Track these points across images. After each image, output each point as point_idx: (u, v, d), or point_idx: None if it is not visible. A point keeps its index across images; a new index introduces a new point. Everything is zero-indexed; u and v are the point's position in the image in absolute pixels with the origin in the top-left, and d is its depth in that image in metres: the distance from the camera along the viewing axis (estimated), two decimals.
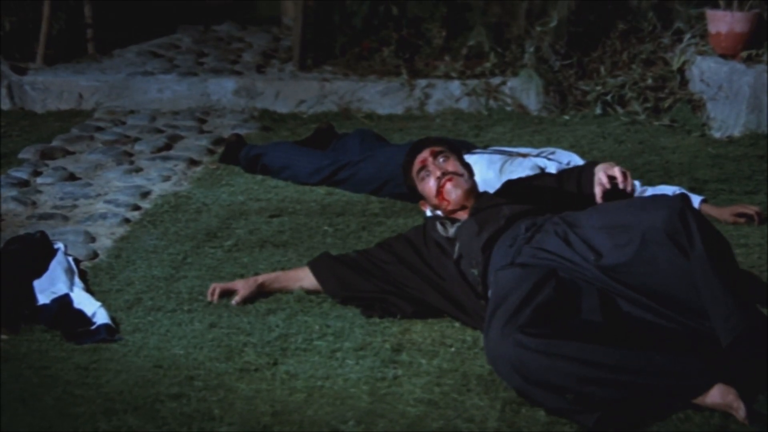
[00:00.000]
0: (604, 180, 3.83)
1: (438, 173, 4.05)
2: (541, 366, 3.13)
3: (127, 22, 8.31)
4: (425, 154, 4.12)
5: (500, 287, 3.43)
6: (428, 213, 4.14)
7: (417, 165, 4.12)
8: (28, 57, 7.46)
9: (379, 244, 4.16)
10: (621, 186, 3.80)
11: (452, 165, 4.08)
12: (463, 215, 4.00)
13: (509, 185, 4.13)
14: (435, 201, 4.08)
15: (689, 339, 3.26)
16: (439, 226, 3.96)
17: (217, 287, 4.06)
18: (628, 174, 3.84)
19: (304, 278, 4.09)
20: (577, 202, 3.87)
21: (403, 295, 3.91)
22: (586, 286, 3.36)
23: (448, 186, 4.03)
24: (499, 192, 4.09)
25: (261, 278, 4.11)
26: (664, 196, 3.49)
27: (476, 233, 3.79)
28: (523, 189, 4.07)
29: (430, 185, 4.08)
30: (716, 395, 3.14)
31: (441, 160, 4.09)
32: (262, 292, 4.07)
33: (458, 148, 4.26)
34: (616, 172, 3.83)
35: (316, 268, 4.08)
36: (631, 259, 3.31)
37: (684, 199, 3.33)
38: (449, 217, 4.01)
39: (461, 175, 4.06)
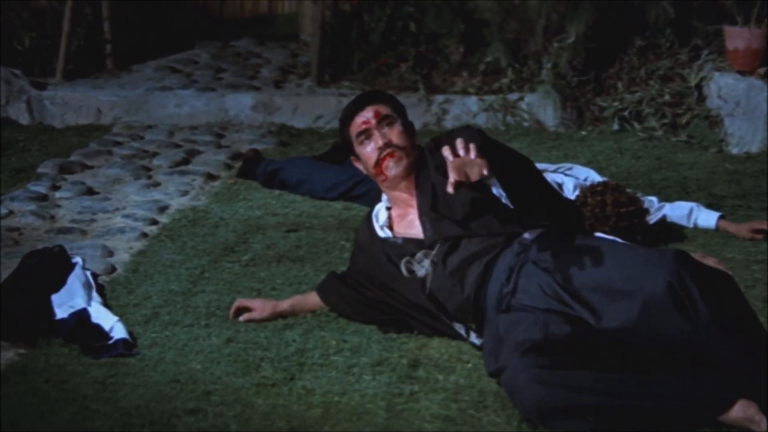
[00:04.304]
0: (449, 154, 3.41)
1: (380, 143, 3.77)
2: (562, 398, 3.12)
3: (145, 37, 8.35)
4: (369, 113, 3.80)
5: (501, 328, 3.39)
6: (377, 228, 3.88)
7: (359, 125, 3.81)
8: (48, 72, 7.50)
9: (351, 255, 4.08)
10: (462, 153, 3.37)
11: (396, 135, 3.78)
12: (401, 191, 3.80)
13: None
14: (372, 170, 3.83)
15: (707, 360, 3.23)
16: (403, 268, 3.72)
17: (237, 303, 4.03)
18: (470, 145, 3.41)
19: (321, 304, 4.05)
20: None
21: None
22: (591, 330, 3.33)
23: (389, 162, 3.77)
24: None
25: (280, 307, 4.01)
26: (658, 256, 3.31)
27: (460, 290, 3.61)
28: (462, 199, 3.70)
29: (368, 152, 3.81)
30: (738, 410, 3.13)
31: (385, 125, 3.79)
32: (279, 317, 4.02)
33: (402, 107, 3.92)
34: (458, 143, 3.41)
35: (324, 293, 4.04)
36: (634, 325, 3.23)
37: (679, 258, 3.23)
38: (406, 250, 3.74)
39: (403, 149, 3.77)
